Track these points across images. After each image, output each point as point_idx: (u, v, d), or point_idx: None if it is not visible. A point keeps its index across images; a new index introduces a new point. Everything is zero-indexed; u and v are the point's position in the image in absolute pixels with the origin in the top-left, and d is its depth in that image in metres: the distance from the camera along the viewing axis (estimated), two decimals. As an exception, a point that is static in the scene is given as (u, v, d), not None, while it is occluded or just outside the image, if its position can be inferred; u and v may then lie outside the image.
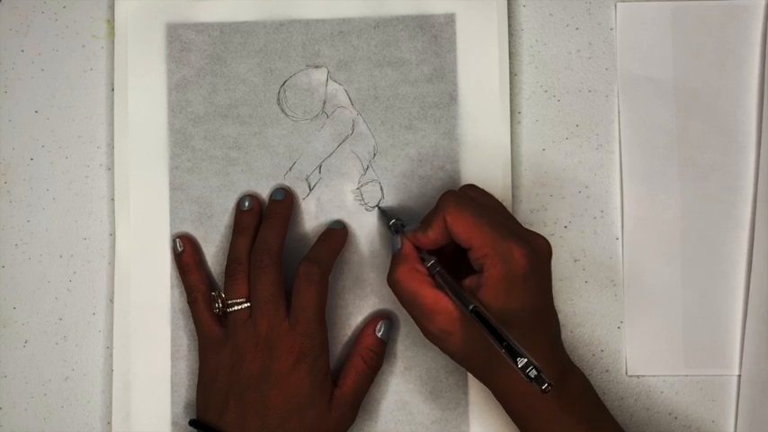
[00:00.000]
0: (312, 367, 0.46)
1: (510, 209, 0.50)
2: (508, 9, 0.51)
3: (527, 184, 0.51)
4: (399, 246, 0.45)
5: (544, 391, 0.39)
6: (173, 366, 0.50)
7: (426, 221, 0.45)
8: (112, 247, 0.51)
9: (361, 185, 0.51)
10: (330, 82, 0.51)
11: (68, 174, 0.52)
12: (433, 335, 0.44)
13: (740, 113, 0.51)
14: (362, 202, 0.51)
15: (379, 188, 0.51)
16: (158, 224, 0.51)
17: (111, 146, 0.52)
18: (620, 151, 0.51)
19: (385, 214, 0.50)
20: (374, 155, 0.51)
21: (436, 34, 0.51)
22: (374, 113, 0.51)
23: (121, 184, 0.51)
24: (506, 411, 0.45)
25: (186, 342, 0.50)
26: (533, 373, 0.39)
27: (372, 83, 0.51)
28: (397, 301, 0.45)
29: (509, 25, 0.51)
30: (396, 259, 0.45)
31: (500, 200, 0.50)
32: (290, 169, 0.51)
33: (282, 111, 0.51)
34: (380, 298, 0.50)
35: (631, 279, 0.50)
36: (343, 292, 0.50)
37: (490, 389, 0.45)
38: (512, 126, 0.51)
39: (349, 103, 0.51)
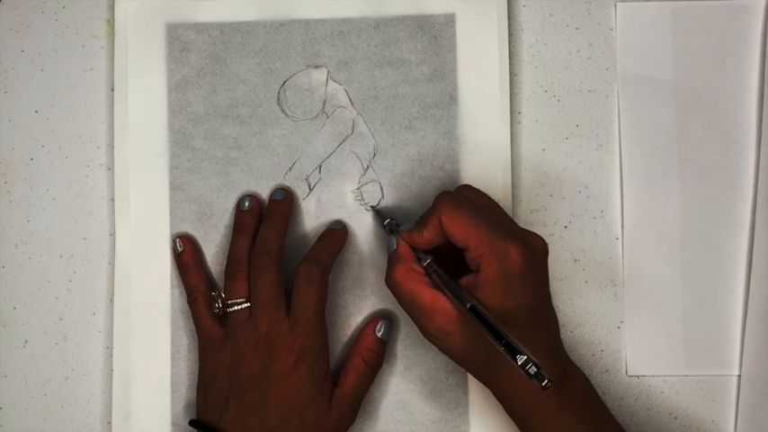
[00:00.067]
0: (312, 367, 0.46)
1: (510, 209, 0.50)
2: (508, 9, 0.51)
3: (527, 184, 0.51)
4: (395, 246, 0.45)
5: (544, 388, 0.39)
6: (173, 366, 0.50)
7: (422, 221, 0.45)
8: (112, 247, 0.51)
9: (361, 185, 0.51)
10: (330, 82, 0.51)
11: (68, 174, 0.52)
12: (432, 335, 0.44)
13: (740, 113, 0.51)
14: (362, 202, 0.51)
15: (379, 188, 0.51)
16: (158, 224, 0.51)
17: (111, 146, 0.52)
18: (620, 151, 0.51)
19: (380, 215, 0.50)
20: (374, 155, 0.51)
21: (436, 34, 0.51)
22: (374, 113, 0.51)
23: (121, 184, 0.51)
24: (506, 411, 0.45)
25: (186, 342, 0.50)
26: (533, 369, 0.39)
27: (372, 83, 0.51)
28: (396, 301, 0.45)
29: (509, 25, 0.51)
30: (392, 260, 0.45)
31: (500, 200, 0.50)
32: (290, 169, 0.51)
33: (282, 111, 0.51)
34: (380, 298, 0.50)
35: (631, 279, 0.50)
36: (343, 292, 0.50)
37: (490, 389, 0.45)
38: (512, 126, 0.51)
39: (349, 103, 0.51)
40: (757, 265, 0.50)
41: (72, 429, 0.51)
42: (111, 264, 0.51)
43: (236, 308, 0.47)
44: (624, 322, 0.50)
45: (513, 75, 0.51)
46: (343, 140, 0.51)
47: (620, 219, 0.51)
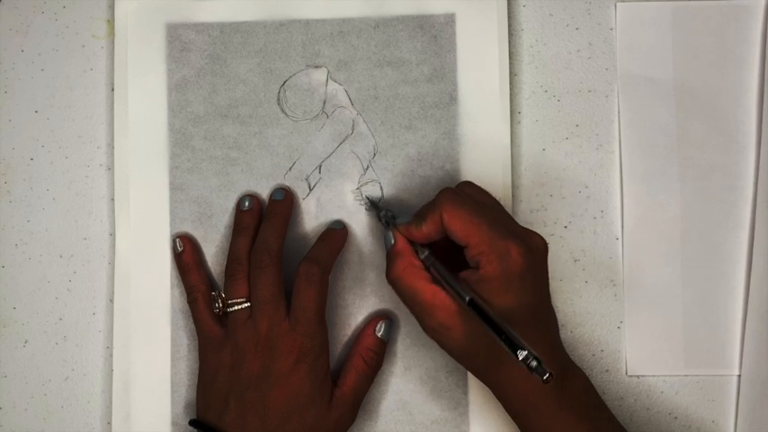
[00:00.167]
0: (312, 367, 0.46)
1: (510, 209, 0.50)
2: (508, 9, 0.51)
3: (527, 184, 0.51)
4: (393, 241, 0.45)
5: (545, 382, 0.39)
6: (173, 366, 0.50)
7: (421, 216, 0.45)
8: (112, 247, 0.51)
9: (361, 185, 0.51)
10: (330, 82, 0.51)
11: (68, 174, 0.52)
12: (432, 330, 0.44)
13: (740, 113, 0.51)
14: (362, 202, 0.51)
15: (379, 188, 0.51)
16: (158, 224, 0.51)
17: (111, 146, 0.52)
18: (620, 151, 0.51)
19: (375, 206, 0.50)
20: (374, 155, 0.51)
21: (436, 34, 0.51)
22: (374, 113, 0.51)
23: (121, 184, 0.51)
24: (506, 410, 0.45)
25: (186, 342, 0.50)
26: (534, 363, 0.39)
27: (372, 83, 0.51)
28: (396, 300, 0.45)
29: (509, 25, 0.51)
30: (391, 255, 0.45)
31: (500, 200, 0.50)
32: (290, 169, 0.51)
33: (282, 111, 0.51)
34: (380, 298, 0.50)
35: (631, 279, 0.50)
36: (343, 292, 0.50)
37: (490, 387, 0.45)
38: (512, 126, 0.51)
39: (349, 103, 0.51)
40: (757, 265, 0.50)
41: (72, 429, 0.51)
42: (111, 264, 0.51)
43: (236, 308, 0.47)
44: (624, 322, 0.50)
45: (513, 75, 0.51)
46: (343, 140, 0.51)
47: (620, 219, 0.51)
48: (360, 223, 0.51)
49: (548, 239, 0.50)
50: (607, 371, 0.50)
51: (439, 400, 0.50)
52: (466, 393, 0.50)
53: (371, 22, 0.51)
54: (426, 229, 0.44)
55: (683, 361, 0.50)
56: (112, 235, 0.51)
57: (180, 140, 0.51)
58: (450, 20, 0.51)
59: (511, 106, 0.51)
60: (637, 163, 0.51)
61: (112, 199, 0.51)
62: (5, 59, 0.52)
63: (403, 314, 0.50)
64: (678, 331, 0.50)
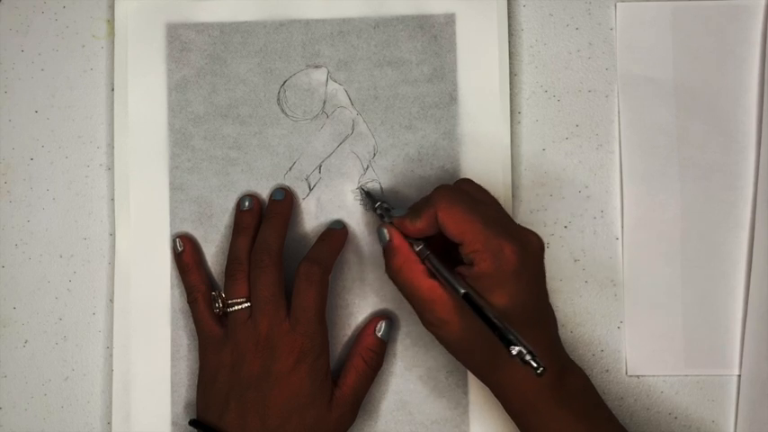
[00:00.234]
0: (312, 367, 0.46)
1: (510, 209, 0.50)
2: (508, 9, 0.51)
3: (527, 184, 0.51)
4: (388, 238, 0.45)
5: (538, 375, 0.39)
6: (173, 366, 0.50)
7: (416, 210, 0.44)
8: (112, 247, 0.51)
9: (361, 185, 0.51)
10: (330, 82, 0.51)
11: (68, 174, 0.52)
12: (431, 324, 0.44)
13: (740, 113, 0.51)
14: (362, 202, 0.51)
15: (379, 188, 0.51)
16: (158, 224, 0.51)
17: (111, 146, 0.52)
18: (620, 151, 0.51)
19: (369, 196, 0.50)
20: (374, 155, 0.51)
21: (436, 34, 0.51)
22: (374, 113, 0.51)
23: (121, 184, 0.51)
24: (505, 409, 0.45)
25: (186, 342, 0.50)
26: (527, 357, 0.39)
27: (372, 83, 0.51)
28: (397, 300, 0.45)
29: (509, 25, 0.51)
30: (388, 251, 0.45)
31: (500, 200, 0.50)
32: (290, 169, 0.51)
33: (282, 111, 0.51)
34: (380, 298, 0.50)
35: (631, 279, 0.50)
36: (343, 292, 0.50)
37: (489, 386, 0.45)
38: (512, 126, 0.51)
39: (349, 103, 0.51)
40: (757, 265, 0.50)
41: (72, 429, 0.51)
42: (111, 264, 0.51)
43: (236, 308, 0.47)
44: (624, 322, 0.50)
45: (513, 75, 0.51)
46: (343, 140, 0.51)
47: (620, 219, 0.51)
48: (360, 223, 0.51)
49: (548, 239, 0.51)
50: (607, 371, 0.50)
51: (439, 400, 0.50)
52: (466, 393, 0.50)
53: (371, 22, 0.51)
54: (420, 225, 0.44)
55: (683, 361, 0.50)
56: (112, 235, 0.51)
57: (180, 140, 0.51)
58: (450, 20, 0.51)
59: (511, 106, 0.51)
60: (637, 163, 0.51)
61: (112, 199, 0.51)
62: (5, 59, 0.52)
63: (403, 314, 0.50)
64: (678, 331, 0.50)
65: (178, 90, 0.51)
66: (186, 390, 0.50)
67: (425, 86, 0.51)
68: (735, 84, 0.51)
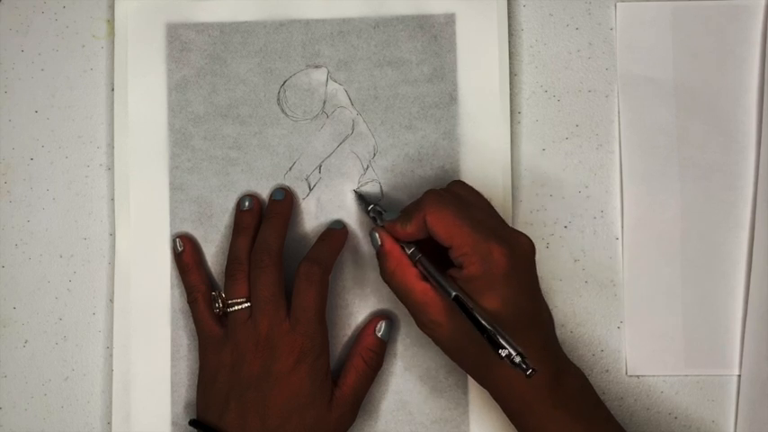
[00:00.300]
0: (312, 367, 0.46)
1: (510, 209, 0.50)
2: (508, 9, 0.51)
3: (527, 184, 0.51)
4: (380, 243, 0.45)
5: (529, 376, 0.39)
6: (173, 366, 0.50)
7: (407, 215, 0.45)
8: (112, 247, 0.51)
9: (361, 185, 0.51)
10: (330, 82, 0.51)
11: (68, 174, 0.52)
12: (424, 325, 0.44)
13: (740, 113, 0.51)
14: (358, 204, 0.51)
15: (379, 188, 0.51)
16: (158, 224, 0.51)
17: (111, 146, 0.52)
18: (620, 151, 0.51)
19: (362, 199, 0.50)
20: (374, 155, 0.51)
21: (436, 34, 0.51)
22: (374, 113, 0.51)
23: (121, 184, 0.51)
24: (503, 410, 0.45)
25: (186, 342, 0.50)
26: (517, 359, 0.39)
27: (372, 83, 0.51)
28: (396, 300, 0.45)
29: (509, 25, 0.51)
30: (381, 255, 0.45)
31: (500, 200, 0.50)
32: (290, 169, 0.51)
33: (282, 111, 0.51)
34: (380, 298, 0.50)
35: (631, 279, 0.50)
36: (343, 292, 0.50)
37: (485, 387, 0.45)
38: (512, 126, 0.51)
39: (349, 103, 0.51)
40: (757, 265, 0.50)
41: (72, 429, 0.51)
42: (111, 264, 0.51)
43: (236, 308, 0.47)
44: (624, 322, 0.50)
45: (513, 75, 0.51)
46: (343, 140, 0.51)
47: (620, 219, 0.51)
48: (360, 223, 0.51)
49: (548, 239, 0.51)
50: (607, 371, 0.50)
51: (439, 400, 0.50)
52: (466, 393, 0.50)
53: (371, 22, 0.51)
54: (411, 230, 0.44)
55: (683, 361, 0.50)
56: (112, 235, 0.51)
57: (180, 140, 0.51)
58: (450, 20, 0.51)
59: (511, 106, 0.51)
60: (637, 163, 0.51)
61: (112, 199, 0.51)
62: (5, 59, 0.52)
63: (403, 314, 0.50)
64: (678, 331, 0.50)
65: (178, 90, 0.51)
66: (186, 390, 0.50)
67: (425, 86, 0.51)
68: (735, 84, 0.51)
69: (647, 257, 0.50)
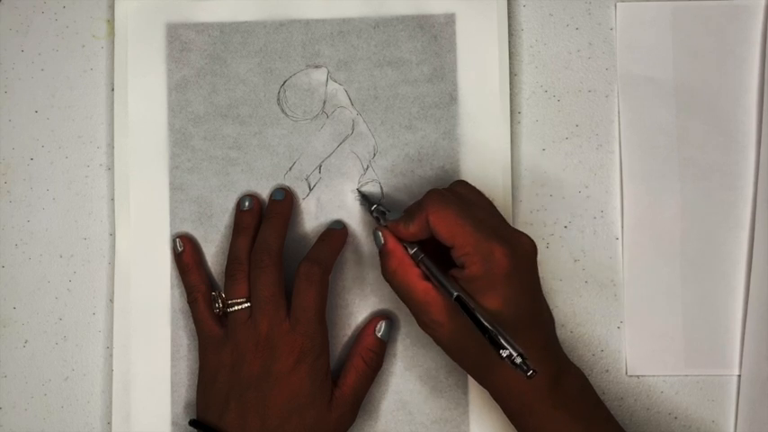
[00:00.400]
0: (312, 367, 0.46)
1: (510, 209, 0.50)
2: (508, 9, 0.51)
3: (527, 184, 0.51)
4: (383, 242, 0.45)
5: (529, 378, 0.39)
6: (173, 366, 0.50)
7: (409, 215, 0.45)
8: (112, 247, 0.51)
9: (361, 185, 0.51)
10: (330, 82, 0.51)
11: (68, 174, 0.52)
12: (426, 325, 0.44)
13: (740, 113, 0.51)
14: (362, 203, 0.51)
15: (379, 188, 0.51)
16: (158, 224, 0.51)
17: (111, 146, 0.52)
18: (620, 151, 0.51)
19: (366, 199, 0.50)
20: (374, 155, 0.51)
21: (436, 34, 0.51)
22: (374, 113, 0.51)
23: (121, 184, 0.51)
24: (503, 410, 0.45)
25: (186, 342, 0.50)
26: (518, 360, 0.39)
27: (372, 83, 0.51)
28: (396, 300, 0.45)
29: (509, 25, 0.51)
30: (383, 254, 0.45)
31: (500, 200, 0.50)
32: (290, 169, 0.51)
33: (282, 111, 0.51)
34: (380, 298, 0.50)
35: (631, 279, 0.50)
36: (343, 292, 0.50)
37: (485, 387, 0.45)
38: (512, 126, 0.51)
39: (349, 103, 0.51)
40: (757, 265, 0.50)
41: (72, 429, 0.51)
42: (111, 264, 0.51)
43: (236, 308, 0.47)
44: (624, 322, 0.50)
45: (513, 75, 0.51)
46: (343, 140, 0.51)
47: (620, 219, 0.51)
48: (360, 223, 0.51)
49: (548, 239, 0.51)
50: (607, 371, 0.50)
51: (439, 400, 0.50)
52: (466, 393, 0.50)
53: (371, 22, 0.51)
54: (413, 230, 0.44)
55: (683, 361, 0.50)
56: (112, 235, 0.51)
57: (180, 140, 0.51)
58: (450, 20, 0.51)
59: (511, 106, 0.51)
60: (637, 163, 0.51)
61: (112, 199, 0.51)
62: (5, 59, 0.52)
63: (403, 314, 0.50)
64: (678, 331, 0.50)
65: (178, 90, 0.51)
66: (186, 390, 0.50)
67: (425, 86, 0.51)
68: (735, 84, 0.51)
69: (647, 257, 0.50)
